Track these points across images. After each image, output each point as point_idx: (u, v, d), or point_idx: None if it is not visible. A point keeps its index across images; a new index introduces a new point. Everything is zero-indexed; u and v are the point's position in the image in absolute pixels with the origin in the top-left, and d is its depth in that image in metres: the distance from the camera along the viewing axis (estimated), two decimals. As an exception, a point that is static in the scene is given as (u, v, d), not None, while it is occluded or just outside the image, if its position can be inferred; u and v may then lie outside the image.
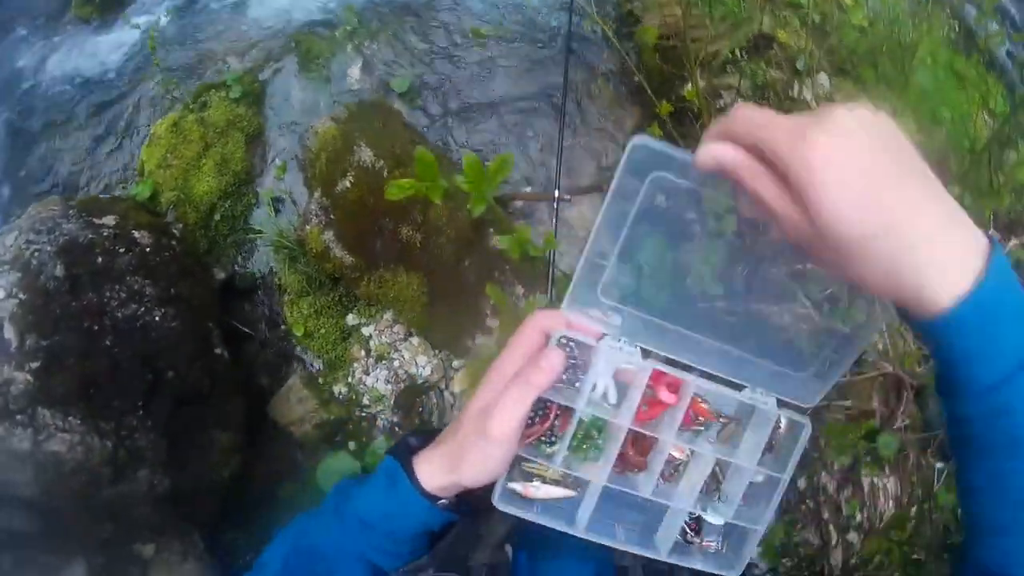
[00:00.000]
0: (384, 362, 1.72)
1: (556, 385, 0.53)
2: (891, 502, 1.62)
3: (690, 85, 1.83)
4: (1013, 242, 1.84)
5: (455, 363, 1.69)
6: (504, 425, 0.50)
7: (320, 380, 1.76)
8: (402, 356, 1.71)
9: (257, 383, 1.84)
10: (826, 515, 1.65)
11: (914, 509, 1.60)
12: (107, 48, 2.40)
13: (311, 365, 1.81)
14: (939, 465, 1.65)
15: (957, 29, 1.90)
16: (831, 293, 0.62)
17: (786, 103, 1.85)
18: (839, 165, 0.36)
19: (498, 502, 0.53)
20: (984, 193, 1.58)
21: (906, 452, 1.63)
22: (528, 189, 1.85)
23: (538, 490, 0.56)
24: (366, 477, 0.59)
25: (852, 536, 1.60)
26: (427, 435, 0.59)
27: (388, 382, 1.71)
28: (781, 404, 0.55)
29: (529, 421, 0.55)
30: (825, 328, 0.55)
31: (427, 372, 1.70)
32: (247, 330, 1.85)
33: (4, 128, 2.34)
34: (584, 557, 0.60)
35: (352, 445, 1.72)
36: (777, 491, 0.55)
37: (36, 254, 1.52)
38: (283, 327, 1.82)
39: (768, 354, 0.54)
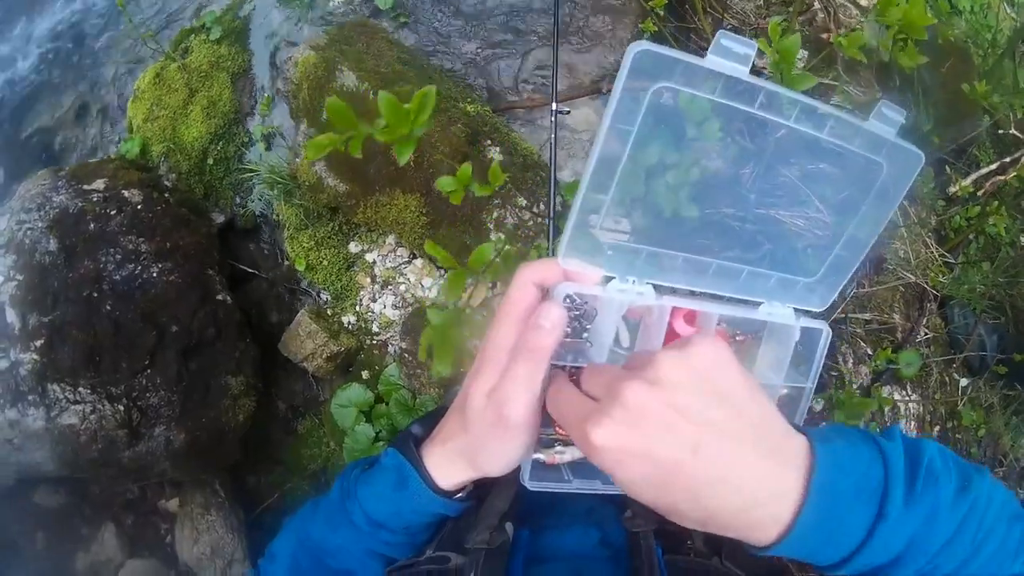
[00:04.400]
0: (390, 287, 1.65)
1: (563, 342, 0.45)
2: (913, 423, 1.55)
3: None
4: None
5: (462, 282, 1.61)
6: (521, 408, 0.42)
7: (328, 312, 1.70)
8: (408, 279, 1.63)
9: (267, 322, 1.78)
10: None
11: (936, 429, 1.53)
12: (75, 13, 2.31)
13: (318, 298, 1.74)
14: (963, 382, 1.55)
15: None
16: (847, 196, 0.56)
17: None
18: (624, 472, 0.36)
19: (529, 483, 0.47)
20: (1010, 91, 1.46)
21: (928, 368, 1.53)
22: (525, 96, 1.75)
23: (563, 454, 0.50)
24: (372, 469, 0.53)
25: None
26: (431, 420, 0.52)
27: (396, 307, 1.64)
28: (796, 313, 0.51)
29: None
30: (836, 231, 0.51)
31: (434, 293, 1.62)
32: (252, 270, 1.78)
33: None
34: (588, 523, 0.53)
35: (365, 375, 1.67)
36: (803, 402, 0.52)
37: (28, 232, 1.48)
38: (287, 263, 1.75)
39: (775, 264, 0.51)
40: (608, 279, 0.47)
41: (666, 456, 0.35)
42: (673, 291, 0.49)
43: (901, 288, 1.57)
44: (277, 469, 1.76)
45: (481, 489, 0.52)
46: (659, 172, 0.49)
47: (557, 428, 0.50)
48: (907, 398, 1.50)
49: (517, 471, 0.49)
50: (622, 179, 0.44)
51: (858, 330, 1.53)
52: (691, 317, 0.51)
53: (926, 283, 1.59)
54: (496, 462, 0.46)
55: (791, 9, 1.60)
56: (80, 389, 1.47)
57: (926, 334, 1.57)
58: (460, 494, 0.50)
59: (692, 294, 0.50)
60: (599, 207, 0.45)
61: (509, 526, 0.49)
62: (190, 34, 2.05)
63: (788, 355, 0.52)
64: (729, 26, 1.60)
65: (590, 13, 1.74)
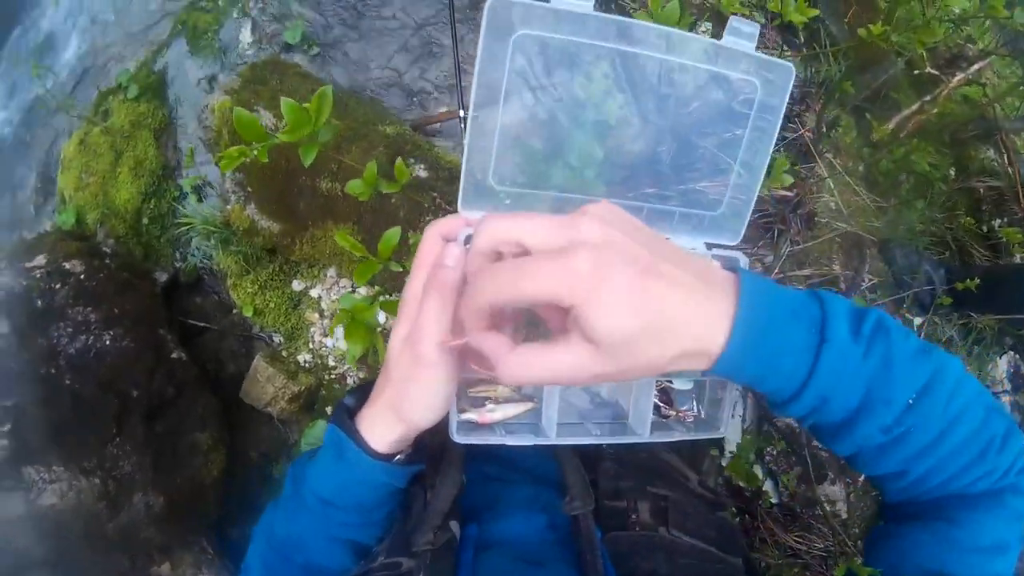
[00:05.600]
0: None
1: None
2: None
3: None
4: (958, 77, 1.72)
5: (408, 302, 1.61)
6: (433, 340, 0.43)
7: (283, 353, 1.67)
8: (354, 309, 1.64)
9: (226, 373, 1.76)
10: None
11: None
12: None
13: (271, 341, 1.71)
14: (917, 320, 1.54)
15: None
16: (732, 124, 0.56)
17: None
18: (610, 291, 0.35)
19: (456, 436, 0.48)
20: (915, 27, 1.47)
21: (877, 312, 1.56)
22: (439, 111, 1.74)
23: (494, 412, 0.51)
24: (316, 452, 0.54)
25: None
26: (363, 392, 0.53)
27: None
28: (710, 247, 0.53)
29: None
30: (728, 162, 0.52)
31: (383, 318, 1.58)
32: (203, 323, 1.76)
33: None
34: (532, 509, 0.53)
35: (329, 410, 1.65)
36: None
37: (-22, 320, 1.44)
38: (235, 311, 1.72)
39: (681, 202, 0.52)
40: None
41: (639, 280, 0.35)
42: None
43: (837, 240, 1.57)
44: (258, 520, 1.74)
45: (423, 453, 0.52)
46: (543, 119, 0.49)
47: (481, 388, 0.51)
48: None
49: (457, 468, 0.50)
50: (505, 128, 0.45)
51: (800, 287, 1.54)
52: None
53: (860, 230, 1.59)
54: (419, 405, 0.47)
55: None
56: (54, 467, 1.44)
57: (870, 280, 1.57)
58: (399, 457, 0.51)
59: None
60: (488, 155, 0.46)
61: (455, 524, 0.49)
62: (108, 96, 2.02)
63: None
64: None
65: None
